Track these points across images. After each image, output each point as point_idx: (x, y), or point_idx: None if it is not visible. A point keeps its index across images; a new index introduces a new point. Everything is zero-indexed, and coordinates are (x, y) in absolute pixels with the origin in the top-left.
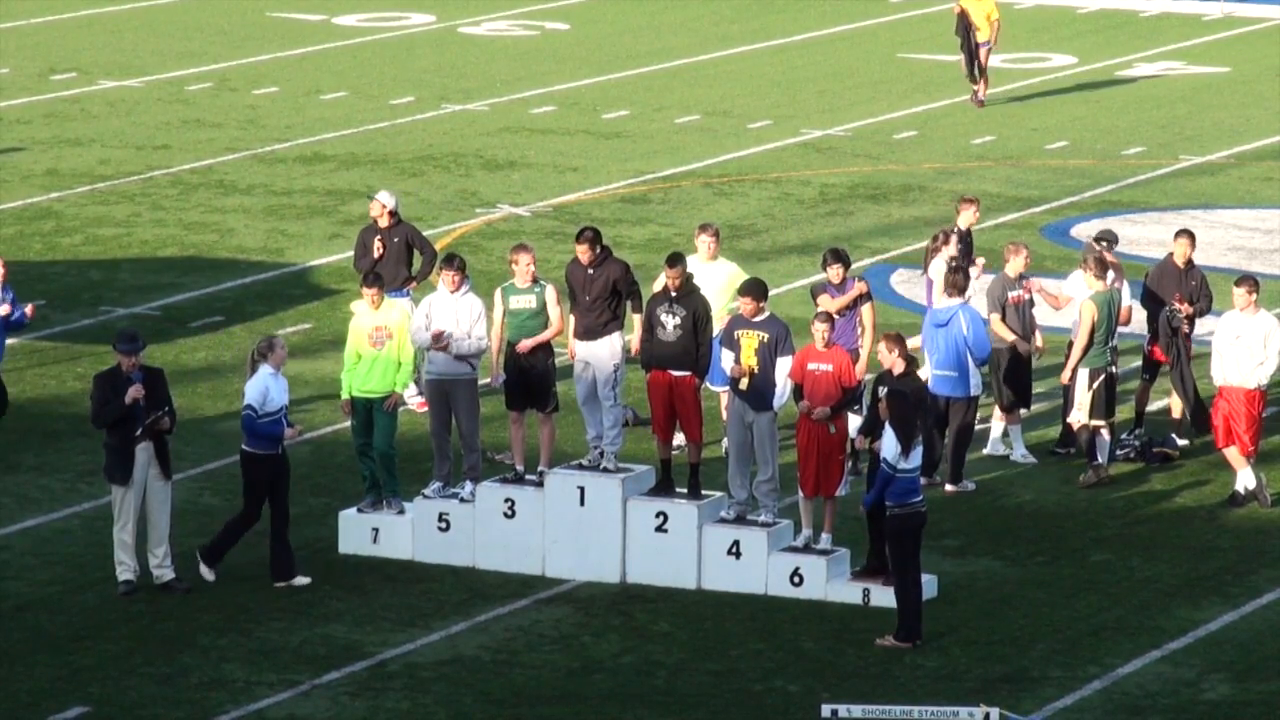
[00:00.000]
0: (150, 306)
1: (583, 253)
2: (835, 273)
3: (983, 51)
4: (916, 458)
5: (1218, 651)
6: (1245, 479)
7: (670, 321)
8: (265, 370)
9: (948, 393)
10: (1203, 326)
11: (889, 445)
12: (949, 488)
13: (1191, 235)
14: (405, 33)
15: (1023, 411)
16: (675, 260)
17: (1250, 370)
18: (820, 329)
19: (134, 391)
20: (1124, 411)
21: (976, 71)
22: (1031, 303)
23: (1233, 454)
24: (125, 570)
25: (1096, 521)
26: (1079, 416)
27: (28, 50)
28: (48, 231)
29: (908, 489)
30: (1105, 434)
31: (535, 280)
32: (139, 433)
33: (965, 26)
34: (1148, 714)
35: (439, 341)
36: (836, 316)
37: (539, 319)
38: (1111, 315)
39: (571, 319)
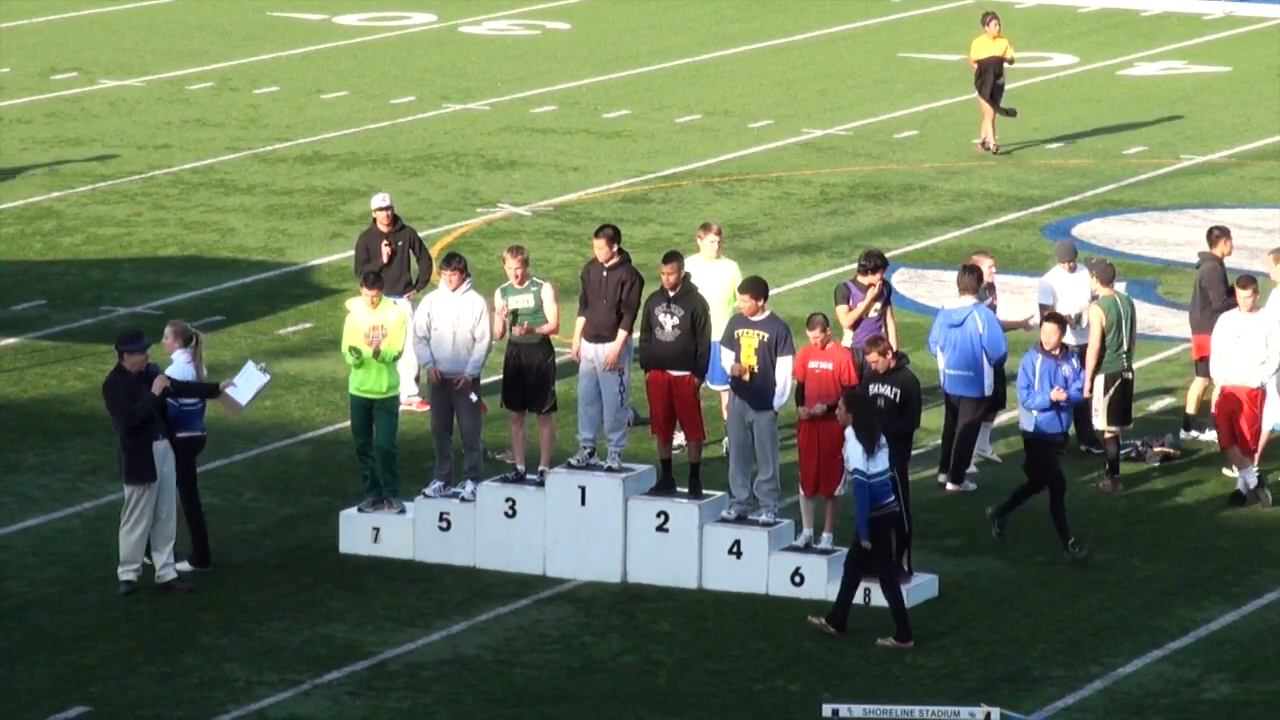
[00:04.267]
0: (151, 306)
1: (600, 248)
2: (876, 278)
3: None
4: (883, 460)
5: (1219, 651)
6: (1247, 478)
7: (669, 321)
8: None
9: (961, 392)
10: None
11: (855, 454)
12: (950, 486)
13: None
14: (406, 32)
15: (1000, 417)
16: (670, 258)
17: (1252, 369)
18: (815, 334)
19: (160, 382)
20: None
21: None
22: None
23: (1235, 453)
24: (128, 570)
25: (1098, 521)
26: (1099, 423)
27: (28, 50)
28: (48, 231)
29: (883, 491)
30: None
31: (530, 279)
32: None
33: (984, 77)
34: (1149, 714)
35: (436, 379)
36: (866, 317)
37: (537, 317)
38: (1122, 320)
39: (580, 320)
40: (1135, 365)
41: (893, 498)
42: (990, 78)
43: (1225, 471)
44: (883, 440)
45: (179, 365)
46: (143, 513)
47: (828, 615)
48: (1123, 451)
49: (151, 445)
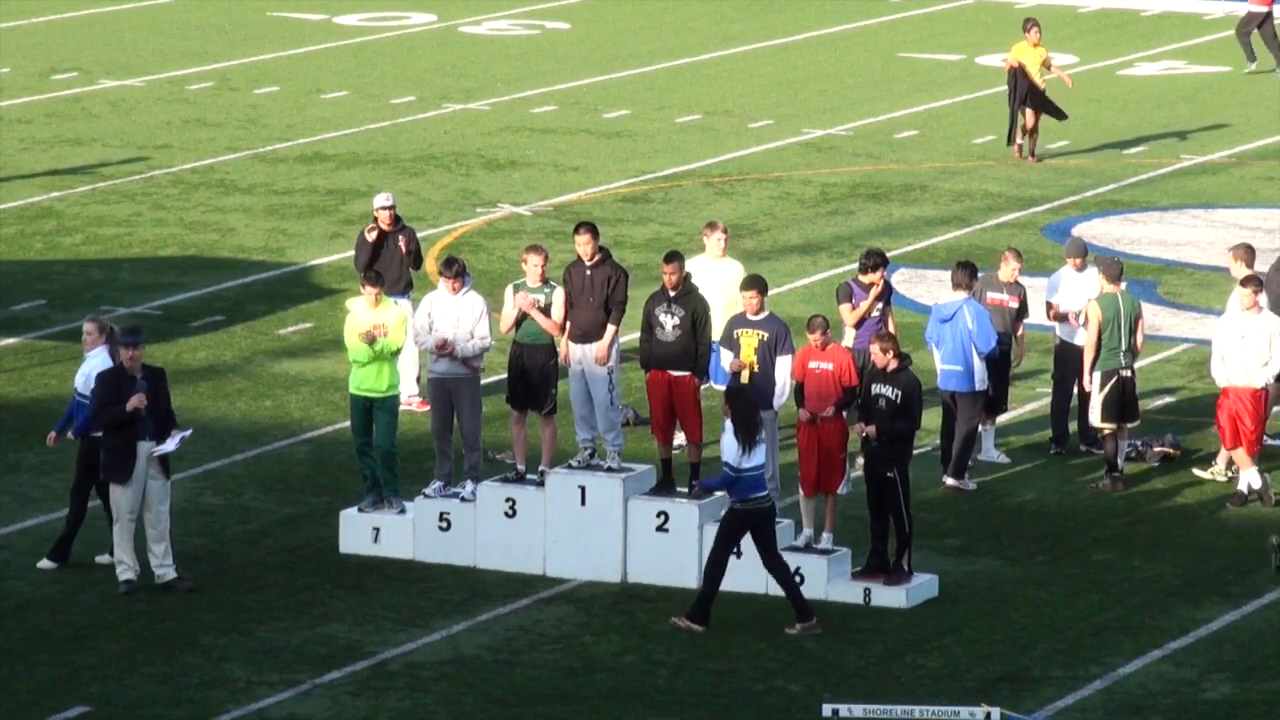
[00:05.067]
0: (151, 306)
1: (584, 245)
2: (877, 276)
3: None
4: (759, 455)
5: (1219, 651)
6: (1250, 479)
7: (669, 322)
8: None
9: (954, 387)
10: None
11: (729, 447)
12: (950, 481)
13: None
14: (406, 32)
15: (999, 416)
16: (672, 257)
17: (1256, 370)
18: (815, 337)
19: (135, 401)
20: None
21: (1022, 129)
22: (1024, 310)
23: (1240, 455)
24: (126, 570)
25: (1098, 521)
26: (1095, 420)
27: (28, 50)
28: (49, 231)
29: (753, 486)
30: (1122, 439)
31: (546, 281)
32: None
33: (1016, 83)
34: (1149, 714)
35: (444, 349)
36: (869, 316)
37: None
38: (1120, 318)
39: (566, 323)
40: (1135, 365)
41: (764, 492)
42: (1024, 84)
43: (1196, 472)
44: (762, 436)
45: (101, 362)
46: (124, 510)
47: (799, 619)
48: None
49: (134, 444)
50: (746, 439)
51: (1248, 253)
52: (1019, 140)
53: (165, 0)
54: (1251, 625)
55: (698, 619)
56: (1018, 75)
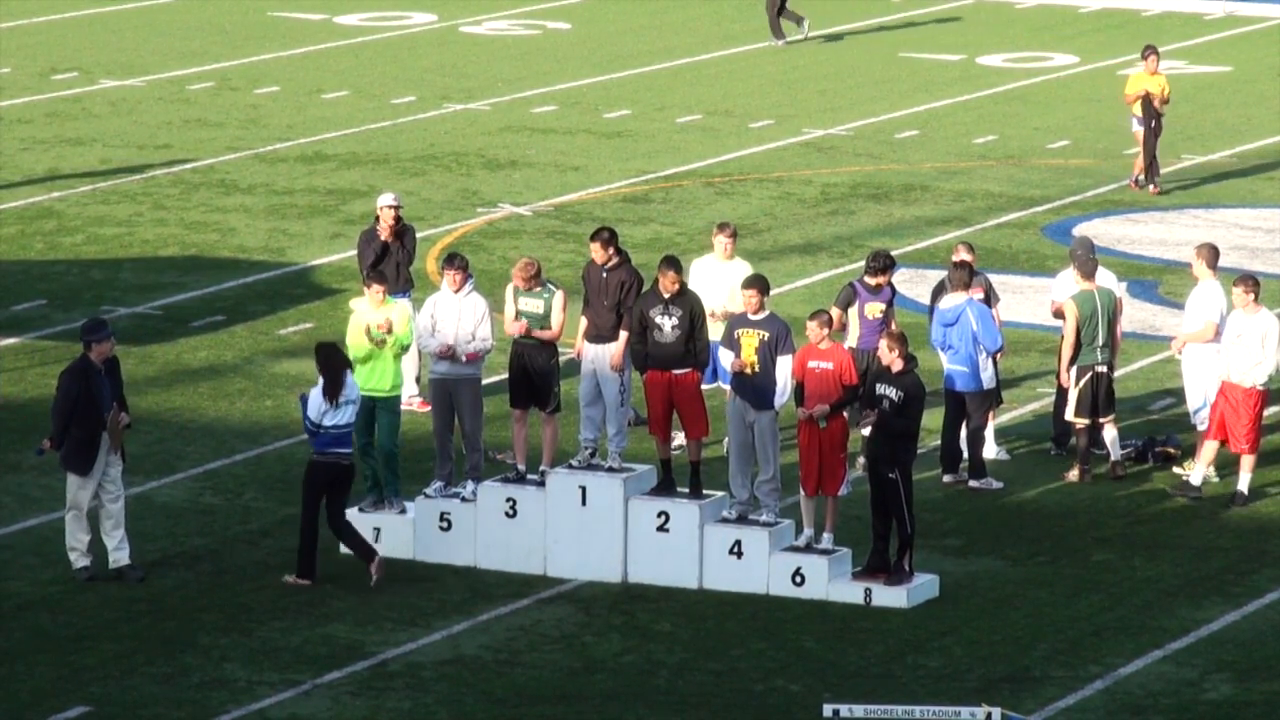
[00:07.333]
0: (151, 306)
1: (596, 251)
2: (884, 278)
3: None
4: (345, 415)
5: (1220, 651)
6: (1207, 473)
7: (667, 323)
8: None
9: (962, 388)
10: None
11: (314, 403)
12: (972, 484)
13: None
14: (407, 32)
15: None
16: (676, 267)
17: (1249, 369)
18: (814, 328)
19: (45, 444)
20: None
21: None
22: (987, 300)
23: (1210, 449)
24: (80, 557)
25: (1098, 521)
26: (1069, 414)
27: (29, 50)
28: (49, 231)
29: (333, 441)
30: (1109, 431)
31: (544, 285)
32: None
33: (1149, 113)
34: (1149, 714)
35: (447, 354)
36: (871, 319)
37: (545, 322)
38: (1098, 314)
39: (583, 320)
40: (1136, 365)
41: (347, 449)
42: (1150, 113)
43: (1175, 469)
44: (354, 396)
45: None
46: (83, 503)
47: (298, 570)
48: (1123, 451)
49: (98, 438)
50: (333, 395)
51: (1210, 253)
52: (1140, 173)
53: (165, 0)
54: (1252, 625)
55: (305, 574)
56: (1145, 106)
